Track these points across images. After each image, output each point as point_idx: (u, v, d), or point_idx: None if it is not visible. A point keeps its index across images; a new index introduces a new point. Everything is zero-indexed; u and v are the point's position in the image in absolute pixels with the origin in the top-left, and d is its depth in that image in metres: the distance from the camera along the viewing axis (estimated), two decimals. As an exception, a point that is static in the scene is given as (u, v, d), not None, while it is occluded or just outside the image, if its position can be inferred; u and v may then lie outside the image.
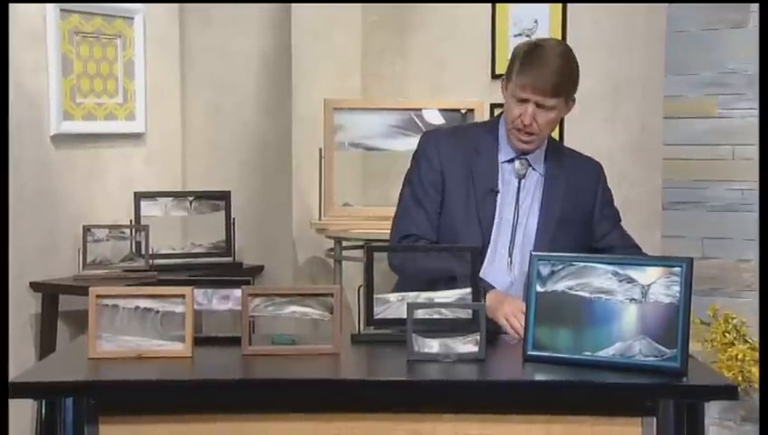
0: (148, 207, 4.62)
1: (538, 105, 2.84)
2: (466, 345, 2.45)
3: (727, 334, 3.96)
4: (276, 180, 4.82)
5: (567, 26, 4.61)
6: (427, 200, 2.94)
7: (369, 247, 2.77)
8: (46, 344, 4.30)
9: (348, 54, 5.07)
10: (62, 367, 2.51)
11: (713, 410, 4.00)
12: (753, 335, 3.92)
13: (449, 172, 2.94)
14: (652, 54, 4.39)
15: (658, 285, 2.36)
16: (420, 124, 4.55)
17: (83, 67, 4.55)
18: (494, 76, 4.70)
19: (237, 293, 2.55)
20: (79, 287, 4.14)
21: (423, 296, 2.64)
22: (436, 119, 4.60)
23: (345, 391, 2.34)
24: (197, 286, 2.57)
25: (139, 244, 4.54)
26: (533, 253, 2.54)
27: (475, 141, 2.98)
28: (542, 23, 4.65)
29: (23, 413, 4.00)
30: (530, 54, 2.86)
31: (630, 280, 2.39)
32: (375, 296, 2.66)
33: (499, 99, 3.00)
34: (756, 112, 4.00)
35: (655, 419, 2.27)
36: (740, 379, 3.87)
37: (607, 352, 2.37)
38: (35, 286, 4.34)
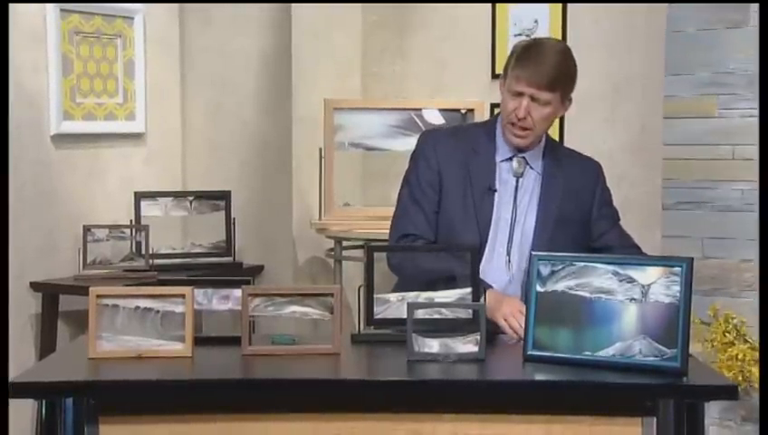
0: (148, 207, 4.62)
1: (533, 99, 2.85)
2: (466, 345, 2.45)
3: (727, 334, 3.96)
4: (276, 180, 4.82)
5: (567, 26, 4.61)
6: (425, 200, 2.95)
7: (370, 247, 2.77)
8: (46, 344, 4.30)
9: (348, 54, 5.07)
10: (63, 367, 2.51)
11: (713, 410, 4.00)
12: (754, 335, 3.92)
13: (447, 172, 2.94)
14: (652, 54, 4.39)
15: (659, 284, 2.36)
16: (420, 124, 4.55)
17: (83, 67, 4.55)
18: (494, 76, 4.70)
19: (237, 293, 2.56)
20: (79, 287, 4.14)
21: (423, 296, 2.64)
22: (436, 119, 4.60)
23: (345, 391, 2.35)
24: (197, 286, 2.57)
25: (139, 244, 4.54)
26: (534, 253, 2.54)
27: (472, 141, 2.98)
28: (542, 23, 4.65)
29: (23, 413, 4.00)
30: (527, 50, 2.88)
31: (630, 280, 2.39)
32: (375, 296, 2.66)
33: (499, 99, 3.00)
34: (756, 112, 4.00)
35: (655, 419, 2.27)
36: (740, 379, 3.87)
37: (607, 352, 2.37)
38: (35, 286, 4.34)
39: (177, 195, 4.76)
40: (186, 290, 2.48)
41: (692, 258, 2.37)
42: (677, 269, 2.36)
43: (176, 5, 4.97)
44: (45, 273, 4.37)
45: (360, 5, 5.09)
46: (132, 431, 2.31)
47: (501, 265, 2.93)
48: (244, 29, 4.88)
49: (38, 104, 4.36)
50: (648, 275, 2.38)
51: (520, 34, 4.64)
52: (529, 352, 2.45)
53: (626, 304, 2.38)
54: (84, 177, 4.58)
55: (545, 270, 2.47)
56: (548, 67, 2.83)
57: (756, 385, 3.84)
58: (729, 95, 4.09)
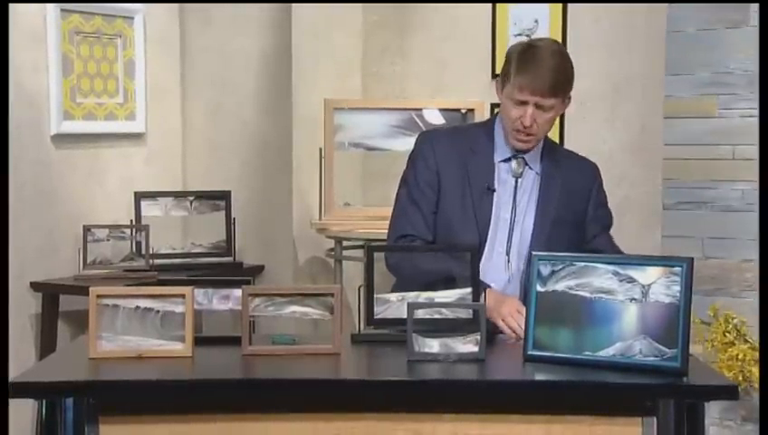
0: (148, 207, 4.62)
1: (537, 106, 2.84)
2: (467, 345, 2.45)
3: (728, 334, 3.96)
4: (276, 180, 4.81)
5: (567, 26, 4.61)
6: (424, 200, 2.95)
7: (370, 247, 2.77)
8: (46, 344, 4.30)
9: (348, 54, 5.06)
10: (63, 367, 2.51)
11: (713, 410, 4.00)
12: (754, 335, 3.92)
13: (445, 172, 2.94)
14: (652, 54, 4.39)
15: (659, 284, 2.36)
16: (421, 124, 4.55)
17: (83, 67, 4.55)
18: (495, 76, 4.70)
19: (237, 293, 2.55)
20: (79, 287, 4.14)
21: (423, 296, 2.64)
22: (436, 119, 4.60)
23: (345, 391, 2.35)
24: (198, 286, 2.57)
25: (139, 244, 4.54)
26: (534, 253, 2.54)
27: (470, 141, 2.99)
28: (543, 23, 4.65)
29: (23, 413, 4.00)
30: (525, 55, 2.86)
31: (631, 280, 2.39)
32: (375, 296, 2.66)
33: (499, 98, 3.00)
34: (756, 112, 4.00)
35: (655, 419, 2.27)
36: (740, 379, 3.87)
37: (607, 352, 2.37)
38: (36, 286, 4.34)
39: (178, 195, 4.76)
40: (186, 290, 2.48)
41: (692, 258, 2.37)
42: (678, 269, 2.36)
43: (176, 5, 4.97)
44: (45, 273, 4.37)
45: (360, 5, 5.09)
46: (132, 431, 2.31)
47: (500, 264, 2.93)
48: (244, 29, 4.88)
49: (38, 104, 4.36)
50: (649, 275, 2.38)
51: (520, 34, 4.64)
52: (529, 352, 2.45)
53: (626, 304, 2.38)
54: (84, 177, 4.58)
55: (545, 270, 2.48)
56: (549, 73, 2.82)
57: (756, 385, 3.84)
58: (729, 95, 4.09)
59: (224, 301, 2.61)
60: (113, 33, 4.68)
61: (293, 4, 4.75)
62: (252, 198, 4.87)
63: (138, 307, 2.47)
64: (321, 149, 4.58)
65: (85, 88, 4.56)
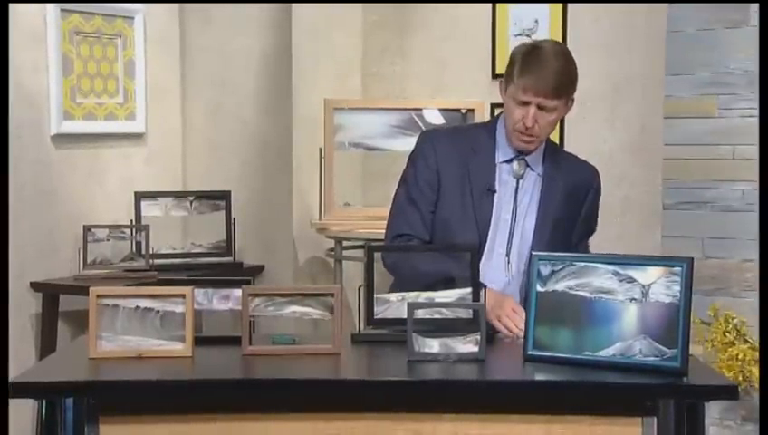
0: (148, 207, 4.62)
1: (540, 107, 2.84)
2: (467, 345, 2.45)
3: (728, 334, 3.96)
4: (276, 180, 4.82)
5: (567, 26, 4.61)
6: (422, 200, 2.94)
7: (370, 247, 2.77)
8: (46, 344, 4.30)
9: (348, 54, 5.07)
10: (63, 367, 2.51)
11: (713, 410, 4.00)
12: (754, 335, 3.92)
13: (445, 171, 2.94)
14: (652, 54, 4.39)
15: (659, 284, 2.36)
16: (421, 124, 4.55)
17: (84, 67, 4.55)
18: (495, 76, 4.70)
19: (237, 293, 2.56)
20: (79, 287, 4.14)
21: (423, 296, 2.64)
22: (436, 119, 4.60)
23: (345, 391, 2.35)
24: (198, 286, 2.57)
25: (139, 244, 4.54)
26: (534, 253, 2.53)
27: (472, 141, 2.98)
28: (543, 22, 4.65)
29: (23, 413, 4.00)
30: (529, 56, 2.86)
31: (631, 280, 2.39)
32: (375, 296, 2.66)
33: (499, 99, 3.00)
34: (756, 112, 4.00)
35: (655, 419, 2.27)
36: (740, 379, 3.87)
37: (607, 352, 2.37)
38: (36, 286, 4.34)
39: (178, 195, 4.76)
40: (186, 290, 2.48)
41: (692, 258, 2.37)
42: (678, 269, 2.36)
43: (176, 5, 4.97)
44: (45, 273, 4.37)
45: (360, 5, 5.09)
46: (132, 431, 2.31)
47: (500, 265, 2.93)
48: (244, 29, 4.88)
49: (38, 104, 4.36)
50: (649, 274, 2.38)
51: (520, 34, 4.64)
52: (529, 352, 2.45)
53: (626, 304, 2.38)
54: (84, 177, 4.58)
55: (545, 270, 2.48)
56: (552, 74, 2.82)
57: (756, 385, 3.84)
58: (729, 95, 4.09)
59: (224, 301, 2.61)
60: (113, 33, 4.68)
61: (293, 4, 4.75)
62: (252, 198, 4.87)
63: (138, 307, 2.47)
64: (321, 149, 4.58)
65: (85, 88, 4.56)
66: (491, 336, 2.64)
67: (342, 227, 4.59)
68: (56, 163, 4.44)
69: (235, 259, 4.73)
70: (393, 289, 2.81)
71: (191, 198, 4.74)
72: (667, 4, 4.23)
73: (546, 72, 2.82)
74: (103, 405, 2.28)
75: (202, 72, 4.99)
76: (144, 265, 4.49)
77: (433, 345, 2.45)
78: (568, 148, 4.49)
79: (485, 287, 2.79)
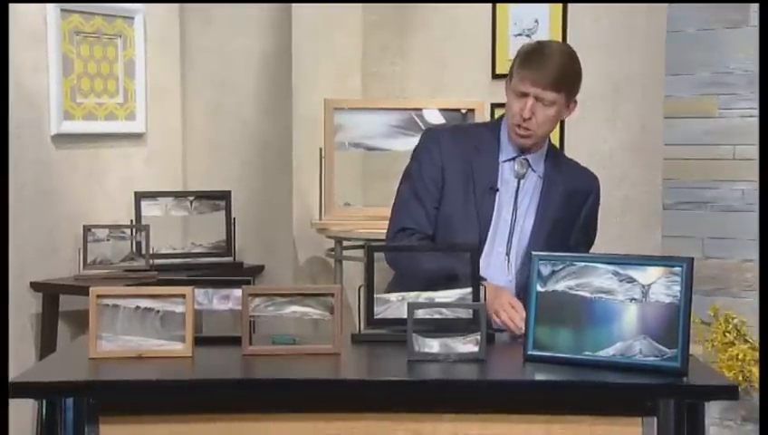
0: (148, 207, 4.62)
1: (537, 99, 2.85)
2: (467, 345, 2.45)
3: (728, 334, 3.96)
4: (277, 180, 4.81)
5: (567, 26, 4.61)
6: (427, 195, 2.94)
7: (370, 247, 2.77)
8: (47, 344, 4.30)
9: (348, 54, 5.06)
10: (63, 367, 2.51)
11: (713, 410, 4.00)
12: (754, 335, 3.92)
13: (450, 168, 2.94)
14: (652, 54, 4.39)
15: (659, 284, 2.36)
16: (421, 124, 4.55)
17: (84, 67, 4.55)
18: (495, 76, 4.70)
19: (238, 293, 2.56)
20: (79, 287, 4.14)
21: (423, 296, 2.64)
22: (436, 119, 4.60)
23: (345, 391, 2.35)
24: (198, 286, 2.57)
25: (139, 244, 4.54)
26: (534, 253, 2.53)
27: (475, 140, 2.99)
28: (543, 22, 4.65)
29: (23, 413, 4.00)
30: (532, 51, 2.89)
31: (631, 280, 2.39)
32: (375, 296, 2.66)
33: (499, 99, 3.01)
34: (756, 112, 4.00)
35: (655, 419, 2.27)
36: (740, 379, 3.87)
37: (607, 352, 2.37)
38: (36, 286, 4.34)
39: (178, 195, 4.76)
40: (186, 290, 2.48)
41: (692, 258, 2.37)
42: (678, 269, 2.36)
43: (176, 5, 4.97)
44: (45, 273, 4.37)
45: (360, 5, 5.09)
46: (133, 431, 2.31)
47: (500, 264, 2.93)
48: (244, 29, 4.88)
49: (38, 104, 4.36)
50: (649, 274, 2.38)
51: (520, 34, 4.64)
52: (529, 352, 2.45)
53: (626, 304, 2.38)
54: (84, 177, 4.58)
55: (546, 270, 2.48)
56: (552, 67, 2.84)
57: (756, 385, 3.84)
58: (729, 95, 4.09)
59: (224, 301, 2.61)
60: (113, 33, 4.68)
61: (293, 4, 4.75)
62: (252, 198, 4.87)
63: (138, 307, 2.47)
64: (321, 149, 4.58)
65: (85, 88, 4.56)
66: (491, 336, 2.64)
67: (342, 227, 4.59)
68: (56, 163, 4.44)
69: (235, 259, 4.73)
70: (391, 287, 2.81)
71: (191, 198, 4.74)
72: (667, 5, 4.23)
73: (547, 64, 2.84)
74: (103, 405, 2.28)
75: (202, 72, 4.99)
76: (144, 266, 4.49)
77: (433, 345, 2.45)
78: (568, 147, 4.52)
79: (484, 281, 2.79)
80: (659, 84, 4.30)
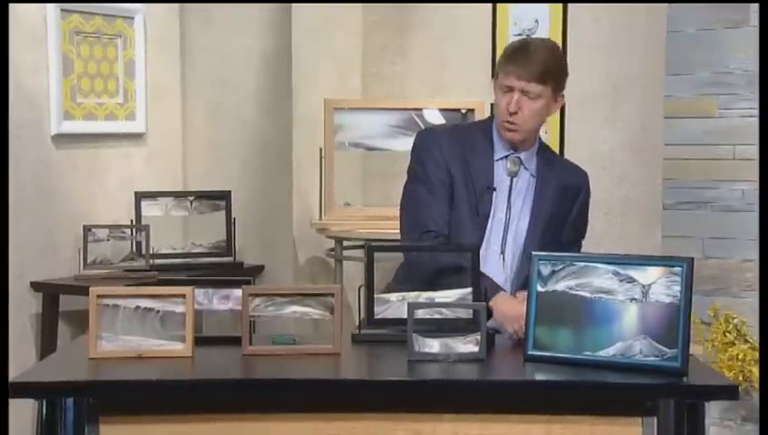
0: (148, 207, 4.62)
1: (523, 92, 2.88)
2: (467, 345, 2.45)
3: (728, 334, 3.96)
4: (277, 180, 4.81)
5: (567, 26, 4.61)
6: (441, 196, 2.95)
7: (370, 247, 2.77)
8: (47, 344, 4.30)
9: (348, 54, 5.06)
10: (63, 367, 2.51)
11: (713, 410, 4.00)
12: (754, 335, 3.92)
13: (452, 168, 2.96)
14: (652, 54, 4.39)
15: (659, 284, 2.36)
16: (421, 124, 4.55)
17: (84, 67, 4.55)
18: (495, 76, 4.69)
19: (238, 293, 2.56)
20: (79, 287, 4.14)
21: (424, 296, 2.64)
22: (436, 119, 4.60)
23: (345, 391, 2.35)
24: (198, 286, 2.57)
25: (139, 244, 4.54)
26: (534, 253, 2.54)
27: (470, 139, 3.01)
28: (543, 22, 4.65)
29: (23, 413, 4.00)
30: (517, 47, 2.95)
31: (631, 280, 2.39)
32: (375, 296, 2.66)
33: (499, 98, 3.01)
34: (756, 112, 4.00)
35: (655, 419, 2.28)
36: (740, 379, 3.87)
37: (607, 352, 2.37)
38: (36, 286, 4.34)
39: (178, 195, 4.76)
40: (186, 290, 2.48)
41: (692, 258, 2.38)
42: (678, 269, 2.36)
43: (176, 5, 4.96)
44: (46, 273, 4.37)
45: (360, 5, 5.09)
46: (133, 431, 2.31)
47: (495, 263, 2.93)
48: (244, 29, 4.87)
49: (38, 104, 4.36)
50: (649, 275, 2.38)
51: (520, 34, 4.63)
52: (529, 353, 2.45)
53: (626, 304, 2.38)
54: (85, 177, 4.58)
55: (546, 270, 2.48)
56: (536, 60, 2.88)
57: (756, 385, 3.84)
58: (729, 95, 4.09)
59: (224, 301, 2.61)
60: (113, 33, 4.68)
61: (293, 4, 4.75)
62: (252, 198, 4.87)
63: (138, 307, 2.47)
64: (321, 149, 4.58)
65: (85, 88, 4.56)
66: (491, 336, 2.64)
67: (342, 227, 4.59)
68: (56, 163, 4.44)
69: (235, 259, 4.73)
70: (391, 285, 2.80)
71: (191, 198, 4.74)
72: (667, 5, 4.23)
73: (531, 58, 2.88)
74: (103, 405, 2.29)
75: (202, 72, 4.99)
76: (144, 266, 4.49)
77: (433, 345, 2.45)
78: (568, 147, 4.53)
79: (499, 288, 2.79)
80: (659, 84, 4.30)
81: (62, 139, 4.45)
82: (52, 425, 2.28)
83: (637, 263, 2.41)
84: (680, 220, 4.20)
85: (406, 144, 4.39)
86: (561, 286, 2.45)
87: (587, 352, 2.39)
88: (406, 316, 2.46)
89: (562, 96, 2.97)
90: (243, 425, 2.31)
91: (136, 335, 2.46)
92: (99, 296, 2.47)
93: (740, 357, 3.89)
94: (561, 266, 2.46)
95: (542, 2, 4.65)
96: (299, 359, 2.48)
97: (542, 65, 2.87)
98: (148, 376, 2.34)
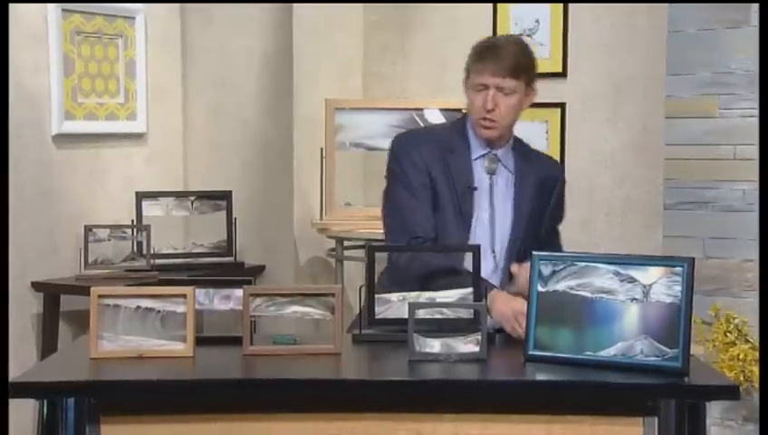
0: (149, 207, 4.62)
1: (498, 89, 2.90)
2: (468, 345, 2.45)
3: (729, 334, 3.96)
4: (277, 180, 4.82)
5: (568, 26, 4.61)
6: (424, 200, 2.95)
7: (371, 247, 2.77)
8: (48, 344, 4.30)
9: (349, 54, 5.07)
10: (64, 367, 2.51)
11: (714, 410, 4.00)
12: (755, 335, 3.92)
13: (434, 171, 2.97)
14: (653, 54, 4.39)
15: (660, 284, 2.36)
16: (421, 124, 4.55)
17: (85, 67, 4.55)
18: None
19: (239, 293, 2.56)
20: (80, 287, 4.14)
21: (424, 296, 2.64)
22: (437, 118, 4.60)
23: (346, 391, 2.35)
24: (199, 286, 2.57)
25: (140, 244, 4.54)
26: (534, 253, 2.53)
27: (447, 140, 3.03)
28: (544, 23, 4.65)
29: (24, 413, 4.00)
30: (485, 46, 2.99)
31: (632, 280, 2.39)
32: (376, 296, 2.66)
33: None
34: (757, 112, 4.00)
35: (656, 419, 2.27)
36: (741, 379, 3.87)
37: (608, 352, 2.37)
38: (37, 286, 4.34)
39: (179, 195, 4.76)
40: (187, 290, 2.49)
41: (693, 258, 2.38)
42: (679, 269, 2.36)
43: (177, 5, 4.97)
44: (46, 273, 4.37)
45: (360, 5, 5.09)
46: (133, 431, 2.31)
47: (487, 259, 2.93)
48: (245, 29, 4.88)
49: (39, 104, 4.36)
50: (650, 274, 2.38)
51: (521, 34, 4.64)
52: (530, 353, 2.45)
53: (627, 304, 2.38)
54: (85, 177, 4.58)
55: (546, 270, 2.48)
56: (508, 56, 2.91)
57: (757, 385, 3.84)
58: (730, 95, 4.09)
59: (225, 301, 2.61)
60: (114, 33, 4.68)
61: (294, 5, 4.75)
62: (253, 198, 4.87)
63: (139, 307, 2.47)
64: (321, 149, 4.58)
65: (86, 88, 4.56)
66: (492, 336, 2.64)
67: (343, 227, 4.59)
68: (57, 163, 4.44)
69: (236, 259, 4.73)
70: (385, 285, 2.80)
71: (192, 198, 4.74)
72: (667, 4, 4.23)
73: (502, 55, 2.91)
74: (104, 405, 2.29)
75: (203, 72, 4.99)
76: (145, 266, 4.49)
77: (434, 345, 2.45)
78: (569, 147, 4.53)
79: (494, 288, 2.79)
80: (660, 84, 4.30)
81: (63, 139, 4.45)
82: (52, 425, 2.28)
83: (638, 263, 2.41)
84: (681, 220, 4.20)
85: (406, 144, 4.40)
86: (561, 286, 2.45)
87: (588, 353, 2.39)
88: (406, 316, 2.46)
89: (534, 89, 2.99)
90: (243, 425, 2.31)
91: (137, 335, 2.46)
92: (100, 296, 2.47)
93: (741, 357, 3.89)
94: (561, 266, 2.46)
95: (542, 2, 4.65)
96: (300, 359, 2.48)
97: (513, 60, 2.90)
98: (149, 376, 2.34)
